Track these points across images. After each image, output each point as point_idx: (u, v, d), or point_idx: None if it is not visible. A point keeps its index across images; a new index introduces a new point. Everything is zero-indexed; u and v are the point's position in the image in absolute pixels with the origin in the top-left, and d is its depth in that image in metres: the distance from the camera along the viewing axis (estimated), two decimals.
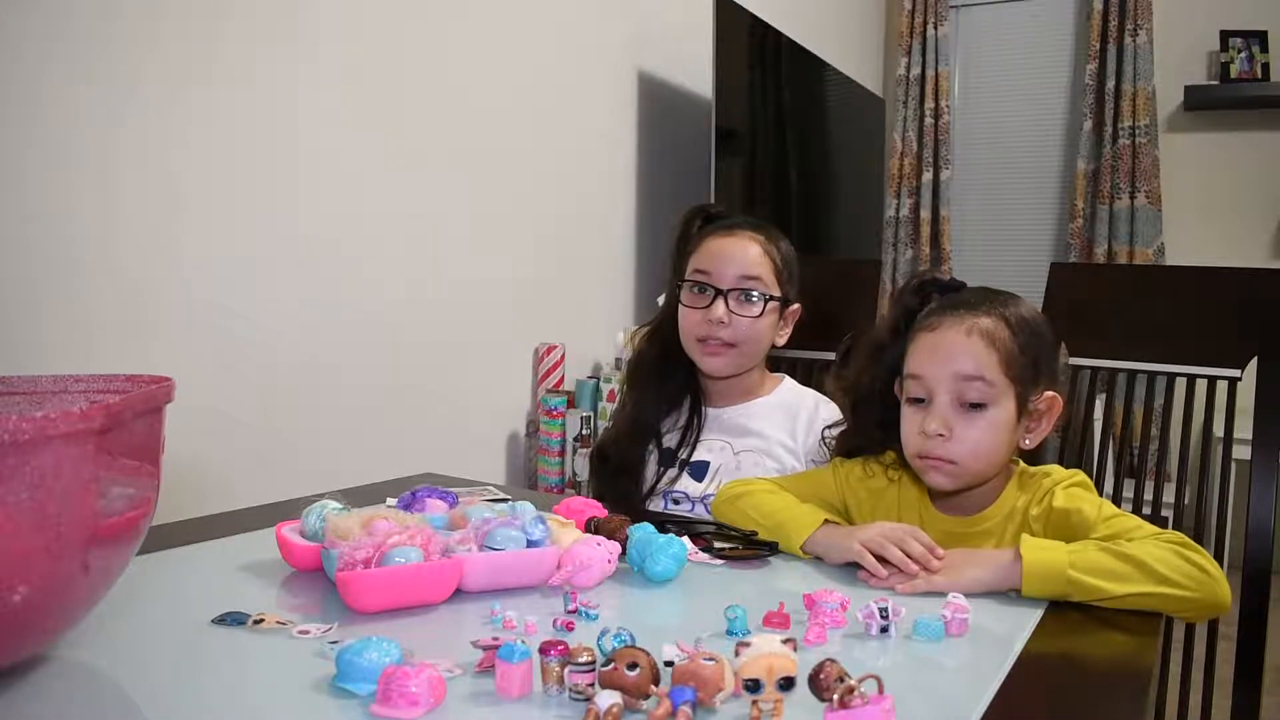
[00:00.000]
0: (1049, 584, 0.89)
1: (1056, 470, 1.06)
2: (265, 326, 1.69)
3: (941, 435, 1.01)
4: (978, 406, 1.01)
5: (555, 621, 0.81)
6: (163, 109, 1.52)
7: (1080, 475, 1.05)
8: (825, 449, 1.34)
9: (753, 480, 1.19)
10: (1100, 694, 0.74)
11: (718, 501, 1.18)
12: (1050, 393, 1.04)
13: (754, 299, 1.39)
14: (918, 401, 1.04)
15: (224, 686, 0.70)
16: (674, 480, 1.42)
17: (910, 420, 1.05)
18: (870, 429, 1.14)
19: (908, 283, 1.15)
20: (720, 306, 1.37)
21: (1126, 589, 0.88)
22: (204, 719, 0.64)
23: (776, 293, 1.41)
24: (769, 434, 1.42)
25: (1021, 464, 1.09)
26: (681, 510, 1.40)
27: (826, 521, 1.03)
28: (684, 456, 1.43)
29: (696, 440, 1.44)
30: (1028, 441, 1.05)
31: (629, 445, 1.45)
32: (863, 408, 1.16)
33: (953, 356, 1.01)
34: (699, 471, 1.42)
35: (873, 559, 0.93)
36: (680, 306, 1.42)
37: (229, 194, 1.63)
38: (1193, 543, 0.91)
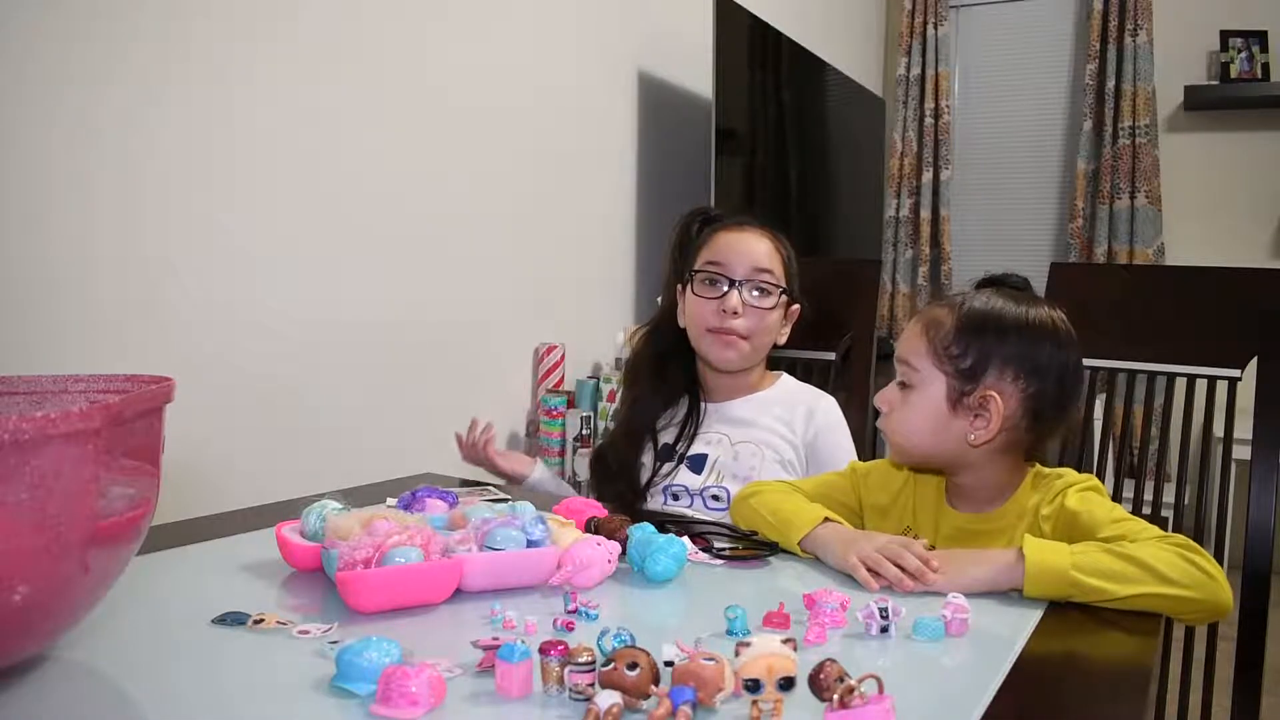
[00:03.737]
0: (1051, 585, 0.89)
1: (1070, 473, 1.07)
2: (265, 326, 1.70)
3: (882, 410, 1.10)
4: (908, 387, 1.07)
5: (555, 621, 0.81)
6: (161, 108, 1.52)
7: (1094, 480, 1.05)
8: None
9: (768, 481, 1.20)
10: (1100, 694, 0.74)
11: (735, 502, 1.19)
12: (989, 391, 1.02)
13: (768, 291, 1.40)
14: None
15: (224, 686, 0.70)
16: (672, 474, 1.43)
17: None
18: None
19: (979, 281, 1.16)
20: (735, 296, 1.38)
21: (1129, 590, 0.88)
22: (204, 719, 0.64)
23: (785, 287, 1.42)
24: (768, 426, 1.43)
25: (1039, 466, 1.10)
26: (681, 504, 1.41)
27: (828, 520, 1.04)
28: (682, 450, 1.44)
29: (695, 434, 1.45)
30: (972, 437, 1.03)
31: (626, 447, 1.45)
32: None
33: (901, 341, 1.10)
34: (697, 464, 1.43)
35: (866, 573, 0.94)
36: (689, 299, 1.43)
37: (229, 195, 1.63)
38: (1196, 545, 0.91)
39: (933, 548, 1.08)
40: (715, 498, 1.39)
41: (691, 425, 1.45)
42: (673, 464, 1.43)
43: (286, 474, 1.69)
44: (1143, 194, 3.68)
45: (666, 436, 1.46)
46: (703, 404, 1.47)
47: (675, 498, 1.42)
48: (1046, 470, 1.09)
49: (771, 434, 1.42)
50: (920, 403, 1.06)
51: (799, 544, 1.03)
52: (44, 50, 1.35)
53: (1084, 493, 1.03)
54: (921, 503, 1.14)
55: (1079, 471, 1.09)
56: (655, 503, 1.42)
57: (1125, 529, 0.96)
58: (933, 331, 1.05)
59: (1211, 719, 1.32)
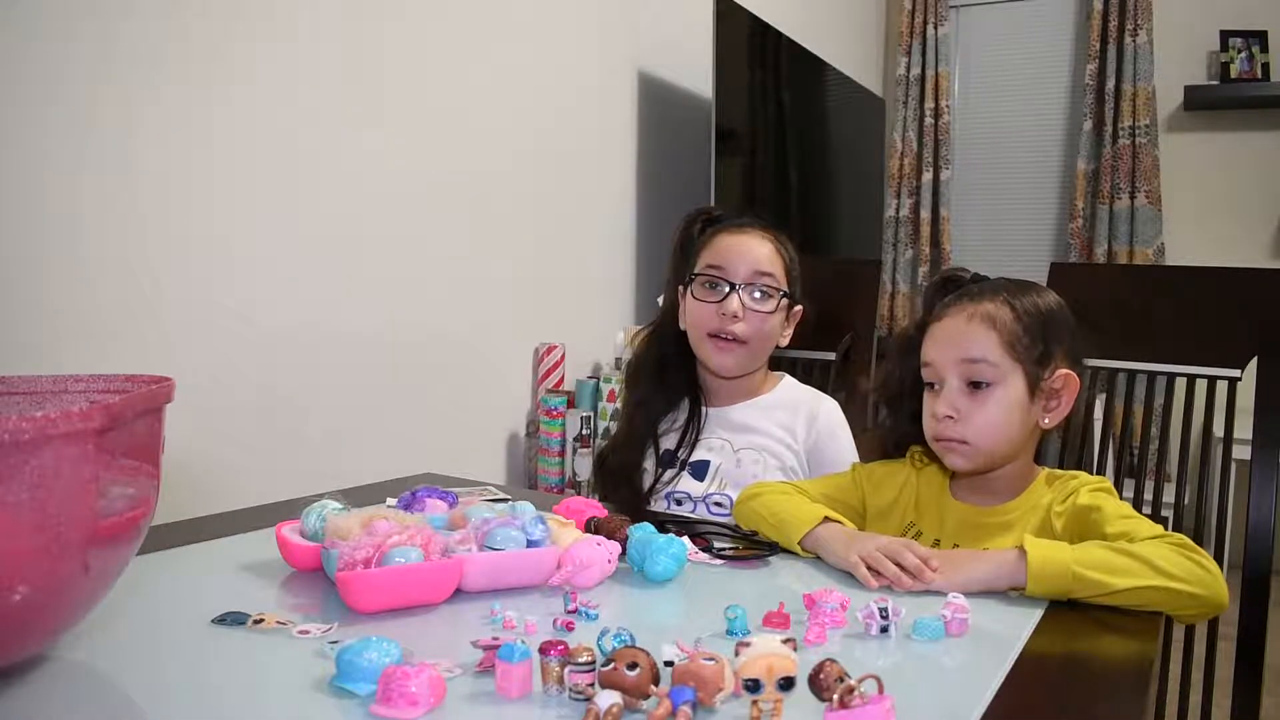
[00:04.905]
0: (1053, 581, 0.90)
1: (1084, 474, 1.09)
2: (265, 326, 1.69)
3: (951, 417, 1.05)
4: (985, 386, 1.05)
5: (555, 621, 0.81)
6: (162, 110, 1.52)
7: (1107, 482, 1.08)
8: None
9: (769, 482, 1.20)
10: (1100, 694, 0.74)
11: (737, 503, 1.19)
12: (1065, 371, 1.07)
13: (768, 295, 1.39)
14: (932, 387, 1.09)
15: (224, 686, 0.70)
16: (675, 480, 1.42)
17: (926, 406, 1.09)
18: (905, 424, 1.18)
19: (932, 280, 1.19)
20: (735, 300, 1.37)
21: (1129, 582, 0.89)
22: (204, 719, 0.64)
23: (787, 290, 1.41)
24: (770, 431, 1.42)
25: (1049, 468, 1.13)
26: (684, 510, 1.40)
27: (827, 519, 1.04)
28: (684, 456, 1.43)
29: (696, 440, 1.44)
30: (1047, 420, 1.08)
31: (628, 450, 1.45)
32: (895, 404, 1.20)
33: (955, 341, 1.06)
34: (700, 471, 1.42)
35: (866, 571, 0.94)
36: (690, 302, 1.42)
37: (229, 194, 1.63)
38: (1194, 544, 0.92)
39: (937, 543, 1.08)
40: (718, 504, 1.39)
41: (693, 431, 1.44)
42: (675, 471, 1.43)
43: (286, 474, 1.69)
44: (1143, 194, 3.68)
45: (668, 442, 1.45)
46: (704, 409, 1.46)
47: (678, 503, 1.41)
48: (1060, 471, 1.11)
49: (773, 440, 1.42)
50: (1006, 398, 1.05)
51: (800, 543, 1.03)
52: (43, 50, 1.35)
53: (1096, 492, 1.05)
54: (925, 496, 1.14)
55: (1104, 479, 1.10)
56: (658, 509, 1.42)
57: (1130, 526, 0.97)
58: (1000, 326, 1.05)
59: (1211, 719, 1.32)
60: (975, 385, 1.05)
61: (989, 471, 1.09)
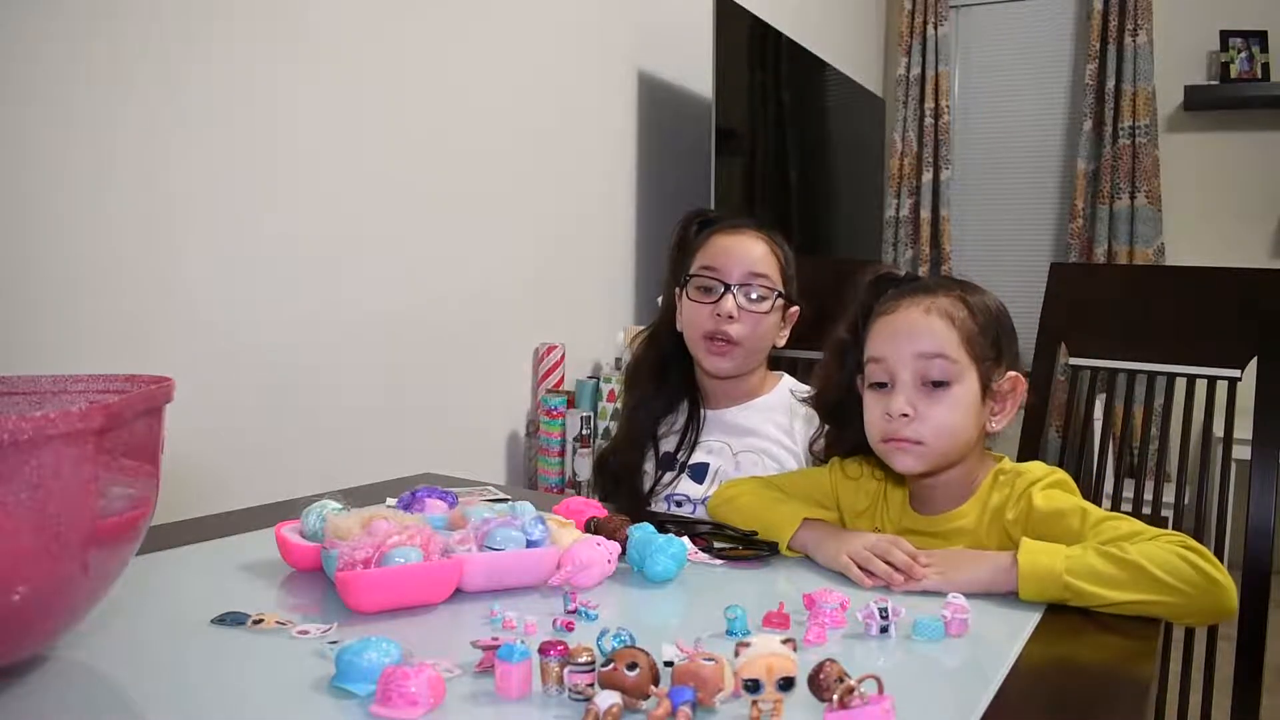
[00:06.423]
0: (1045, 589, 0.88)
1: (1034, 468, 1.03)
2: (265, 326, 1.70)
3: (906, 415, 0.99)
4: (941, 384, 0.99)
5: (555, 621, 0.81)
6: (161, 110, 1.52)
7: (1059, 474, 1.02)
8: (817, 462, 1.32)
9: (743, 481, 1.19)
10: (1100, 695, 0.74)
11: (712, 505, 1.18)
12: (1013, 373, 1.04)
13: (763, 296, 1.39)
14: (880, 386, 1.03)
15: (224, 686, 0.70)
16: (674, 483, 1.42)
17: (874, 405, 1.03)
18: (854, 435, 1.11)
19: (863, 281, 1.11)
20: (730, 301, 1.37)
21: (1125, 596, 0.86)
22: (204, 719, 0.64)
23: (782, 290, 1.41)
24: (768, 434, 1.42)
25: (1001, 464, 1.06)
26: (684, 512, 1.40)
27: (806, 520, 1.03)
28: (683, 459, 1.43)
29: (695, 442, 1.44)
30: (993, 424, 1.03)
31: (628, 451, 1.45)
32: (838, 414, 1.14)
33: (913, 335, 1.00)
34: (699, 474, 1.42)
35: (858, 571, 0.93)
36: (685, 303, 1.42)
37: (229, 194, 1.63)
38: (1198, 545, 0.88)
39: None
40: None
41: (691, 433, 1.44)
42: (674, 473, 1.43)
43: (286, 474, 1.69)
44: (1143, 194, 3.68)
45: (667, 445, 1.45)
46: (702, 411, 1.46)
47: (678, 505, 1.41)
48: (1008, 467, 1.05)
49: (771, 442, 1.42)
50: (964, 396, 0.99)
51: (787, 547, 1.03)
52: (48, 52, 1.35)
53: (1048, 491, 0.99)
54: (892, 506, 1.11)
55: (1078, 472, 1.07)
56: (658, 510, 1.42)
57: (1110, 534, 0.92)
58: (959, 323, 1.00)
59: (1211, 719, 1.32)
60: (932, 384, 0.99)
61: (935, 475, 1.04)
